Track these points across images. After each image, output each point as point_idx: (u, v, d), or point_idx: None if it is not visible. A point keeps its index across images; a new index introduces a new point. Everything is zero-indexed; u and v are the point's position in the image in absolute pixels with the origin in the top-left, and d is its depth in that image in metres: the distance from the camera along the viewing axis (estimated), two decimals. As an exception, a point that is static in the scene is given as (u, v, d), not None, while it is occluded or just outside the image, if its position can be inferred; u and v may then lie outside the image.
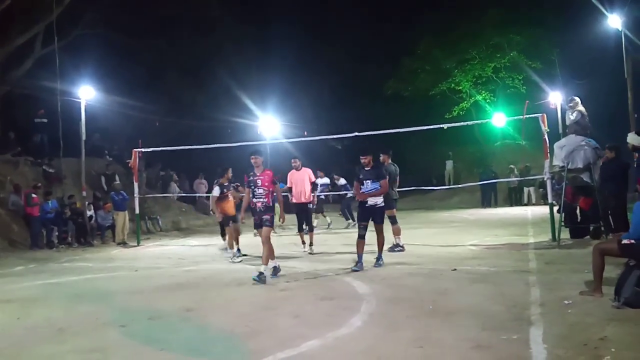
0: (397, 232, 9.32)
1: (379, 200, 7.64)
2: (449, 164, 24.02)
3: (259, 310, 5.46)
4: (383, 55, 27.92)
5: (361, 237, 7.56)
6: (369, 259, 7.76)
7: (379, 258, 7.76)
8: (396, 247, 9.28)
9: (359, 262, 7.49)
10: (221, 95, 24.12)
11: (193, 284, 7.34)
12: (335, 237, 12.25)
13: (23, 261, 10.67)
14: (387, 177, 8.56)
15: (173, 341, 4.53)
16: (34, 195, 13.16)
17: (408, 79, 25.80)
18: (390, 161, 9.37)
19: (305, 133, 23.99)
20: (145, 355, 4.23)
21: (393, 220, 9.24)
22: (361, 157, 7.77)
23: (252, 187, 7.22)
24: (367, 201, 7.59)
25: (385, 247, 9.75)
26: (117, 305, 6.05)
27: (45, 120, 16.63)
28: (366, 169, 7.67)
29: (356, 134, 12.18)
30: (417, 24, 26.31)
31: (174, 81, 23.50)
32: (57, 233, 13.27)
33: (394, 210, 9.30)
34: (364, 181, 7.65)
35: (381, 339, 4.33)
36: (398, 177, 9.53)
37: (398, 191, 9.67)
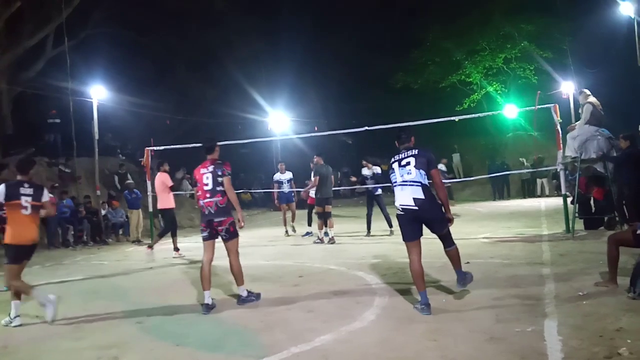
0: (320, 227, 10.56)
1: (426, 195, 4.86)
2: (456, 157, 23.87)
3: (272, 305, 5.49)
4: (391, 47, 27.77)
5: (415, 264, 4.91)
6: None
7: (461, 275, 5.25)
8: (317, 239, 10.58)
9: (422, 301, 4.85)
10: (230, 90, 24.22)
11: (207, 280, 7.38)
12: (346, 229, 12.24)
13: (40, 260, 10.79)
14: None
15: (188, 336, 4.59)
16: (51, 195, 13.30)
17: (417, 71, 25.64)
18: (322, 162, 10.64)
19: (316, 128, 23.99)
20: (161, 350, 4.28)
21: (320, 216, 10.54)
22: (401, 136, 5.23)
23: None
24: (406, 203, 4.87)
25: (312, 239, 11.02)
26: (133, 302, 6.12)
27: (58, 120, 16.80)
28: (402, 152, 5.10)
29: (366, 128, 12.14)
30: (424, 15, 26.11)
31: (183, 77, 23.62)
32: (72, 232, 13.43)
33: (323, 207, 10.47)
34: (402, 166, 4.97)
35: (395, 332, 4.34)
36: (332, 177, 10.96)
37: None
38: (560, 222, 10.01)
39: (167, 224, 10.18)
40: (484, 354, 3.71)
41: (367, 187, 11.29)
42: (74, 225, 13.46)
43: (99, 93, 15.51)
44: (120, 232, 14.41)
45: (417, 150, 4.98)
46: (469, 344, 3.90)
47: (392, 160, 5.10)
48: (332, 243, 10.28)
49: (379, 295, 5.58)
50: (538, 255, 7.43)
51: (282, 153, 22.13)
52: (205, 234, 5.59)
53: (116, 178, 17.19)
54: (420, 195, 4.79)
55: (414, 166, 4.86)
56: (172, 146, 15.15)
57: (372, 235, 11.11)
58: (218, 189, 5.51)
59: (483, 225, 11.64)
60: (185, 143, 15.31)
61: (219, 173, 5.55)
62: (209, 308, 5.41)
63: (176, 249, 9.94)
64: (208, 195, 5.53)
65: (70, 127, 15.14)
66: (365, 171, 11.35)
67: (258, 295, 5.76)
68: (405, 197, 4.83)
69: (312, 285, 6.35)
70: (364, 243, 10.23)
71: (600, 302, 4.72)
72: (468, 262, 7.01)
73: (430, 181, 4.98)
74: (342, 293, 5.84)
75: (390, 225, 10.99)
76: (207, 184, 5.55)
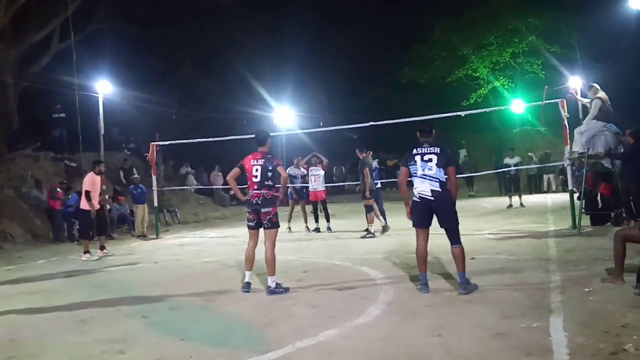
0: (371, 220, 10.32)
1: (442, 189, 5.23)
2: (462, 153, 23.77)
3: (277, 300, 5.49)
4: (397, 42, 27.66)
5: (421, 249, 5.39)
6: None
7: (463, 280, 5.23)
8: (367, 234, 10.21)
9: (422, 281, 5.43)
10: (236, 85, 24.19)
11: (212, 274, 7.42)
12: (351, 224, 12.22)
13: (45, 254, 10.88)
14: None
15: (193, 331, 4.60)
16: (59, 189, 13.41)
17: (423, 66, 25.52)
18: (366, 155, 10.49)
19: (321, 124, 23.95)
20: (166, 344, 4.29)
21: (369, 209, 10.30)
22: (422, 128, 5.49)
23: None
24: (424, 192, 5.27)
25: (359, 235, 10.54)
26: (138, 296, 6.14)
27: (63, 115, 16.84)
28: (425, 146, 5.36)
29: (371, 123, 12.09)
30: (431, 9, 25.95)
31: (189, 73, 23.62)
32: (78, 226, 13.46)
33: (372, 200, 10.36)
34: (424, 161, 5.28)
35: (399, 327, 4.33)
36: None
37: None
38: (567, 218, 9.96)
39: (82, 226, 10.02)
40: (489, 349, 3.69)
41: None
42: (79, 219, 13.51)
43: (104, 88, 15.55)
44: (125, 226, 14.48)
45: (439, 149, 5.29)
46: (474, 340, 3.88)
47: (414, 152, 5.36)
48: (371, 237, 10.10)
49: (384, 291, 5.57)
50: (544, 251, 7.39)
51: (288, 148, 22.12)
52: (252, 223, 5.91)
53: (121, 173, 17.25)
54: (437, 188, 5.23)
55: (436, 164, 5.23)
56: (178, 141, 15.21)
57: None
58: (266, 183, 5.78)
59: (489, 221, 11.60)
60: (190, 138, 15.37)
61: (270, 167, 5.79)
62: (248, 286, 5.88)
63: (86, 252, 9.63)
64: (256, 187, 5.81)
65: (76, 122, 15.20)
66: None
67: (287, 289, 5.80)
68: (425, 187, 5.26)
69: (316, 281, 6.35)
70: (368, 238, 10.20)
71: (606, 298, 4.69)
72: (473, 258, 6.98)
73: (447, 176, 5.32)
74: (346, 288, 5.83)
75: (384, 220, 10.96)
76: (256, 176, 5.80)
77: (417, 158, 5.32)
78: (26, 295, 6.57)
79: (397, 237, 9.84)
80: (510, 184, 14.99)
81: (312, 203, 12.14)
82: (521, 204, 14.71)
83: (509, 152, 15.63)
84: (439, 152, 5.26)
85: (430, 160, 5.25)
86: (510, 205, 14.65)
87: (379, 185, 11.19)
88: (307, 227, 12.25)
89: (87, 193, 9.65)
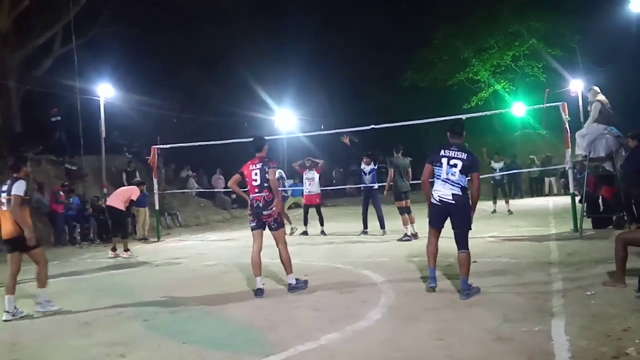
0: (405, 222, 9.88)
1: (463, 193, 5.28)
2: None
3: (278, 304, 5.50)
4: (399, 45, 27.68)
5: (432, 245, 5.57)
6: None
7: (465, 286, 5.27)
8: (404, 237, 9.79)
9: (430, 275, 5.58)
10: (237, 89, 24.23)
11: (213, 277, 7.42)
12: (353, 227, 12.21)
13: (48, 257, 10.80)
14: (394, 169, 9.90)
15: (194, 334, 4.60)
16: (61, 193, 13.44)
17: (425, 69, 25.56)
18: (397, 155, 10.13)
19: (322, 127, 23.95)
20: (167, 347, 4.30)
21: (402, 211, 9.91)
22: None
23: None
24: (445, 196, 5.28)
25: (396, 235, 10.19)
26: (140, 300, 6.15)
27: (59, 118, 16.81)
28: (453, 149, 5.36)
29: (372, 126, 12.13)
30: (432, 13, 25.99)
31: (190, 76, 23.66)
32: (79, 230, 13.50)
33: (404, 202, 9.94)
34: (450, 166, 5.28)
35: (400, 331, 4.33)
36: (410, 169, 10.21)
37: (414, 183, 10.01)
38: (569, 221, 9.95)
39: (120, 226, 10.75)
40: (491, 353, 3.69)
41: (365, 183, 11.28)
42: (81, 223, 13.54)
43: (106, 91, 15.58)
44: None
45: (465, 155, 5.28)
46: (475, 344, 3.88)
47: (442, 153, 5.33)
48: (415, 238, 9.73)
49: (385, 295, 5.57)
50: (546, 255, 7.39)
51: (289, 151, 22.14)
52: (253, 224, 5.98)
53: (124, 175, 17.25)
54: (458, 192, 5.25)
55: (460, 170, 5.25)
56: (179, 144, 15.23)
57: (368, 234, 11.06)
58: (265, 185, 5.89)
59: (490, 224, 11.58)
60: (191, 141, 15.40)
61: (267, 170, 5.91)
62: (261, 292, 5.85)
63: (126, 250, 10.40)
64: (256, 190, 5.92)
65: (77, 125, 15.23)
66: (363, 166, 11.34)
67: (306, 282, 6.05)
68: (446, 191, 5.26)
69: (318, 284, 6.34)
70: (370, 242, 10.21)
71: (608, 302, 4.68)
72: (475, 261, 6.94)
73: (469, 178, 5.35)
74: (348, 292, 5.83)
75: (383, 227, 10.90)
76: (255, 180, 5.93)
77: (444, 161, 5.29)
78: (28, 298, 6.58)
79: (398, 241, 9.83)
80: (496, 189, 14.43)
81: (306, 207, 12.08)
82: (509, 210, 13.86)
83: (495, 157, 15.43)
84: (465, 158, 5.25)
85: (455, 165, 5.25)
86: (495, 211, 14.10)
87: (376, 187, 11.16)
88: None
89: (132, 202, 10.79)
